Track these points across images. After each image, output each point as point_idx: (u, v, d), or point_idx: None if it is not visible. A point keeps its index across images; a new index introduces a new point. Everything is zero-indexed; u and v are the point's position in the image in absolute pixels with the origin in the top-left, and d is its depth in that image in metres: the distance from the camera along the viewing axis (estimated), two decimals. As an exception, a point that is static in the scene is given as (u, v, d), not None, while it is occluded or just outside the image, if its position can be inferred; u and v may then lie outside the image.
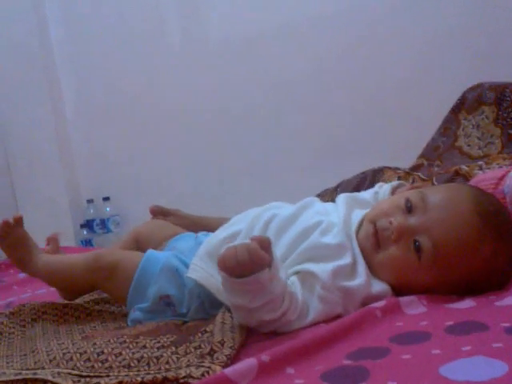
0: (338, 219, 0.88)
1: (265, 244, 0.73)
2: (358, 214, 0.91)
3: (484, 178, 1.23)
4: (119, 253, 1.01)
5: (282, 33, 2.25)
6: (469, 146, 1.58)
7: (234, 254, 0.71)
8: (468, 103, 1.64)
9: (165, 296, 0.91)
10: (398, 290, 0.82)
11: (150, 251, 0.99)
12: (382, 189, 1.03)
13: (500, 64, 1.81)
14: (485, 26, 1.89)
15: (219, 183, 2.45)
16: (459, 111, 1.65)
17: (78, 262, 1.00)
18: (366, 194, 1.04)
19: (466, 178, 1.32)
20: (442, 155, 1.61)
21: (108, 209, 2.67)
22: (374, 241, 0.83)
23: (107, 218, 2.66)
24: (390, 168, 1.47)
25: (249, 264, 0.71)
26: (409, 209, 0.83)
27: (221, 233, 0.96)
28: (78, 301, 1.08)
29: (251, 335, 0.78)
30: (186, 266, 0.91)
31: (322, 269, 0.79)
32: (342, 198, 0.97)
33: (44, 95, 2.66)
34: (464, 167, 1.36)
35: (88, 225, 2.67)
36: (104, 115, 2.70)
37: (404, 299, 0.77)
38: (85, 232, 2.67)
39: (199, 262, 0.89)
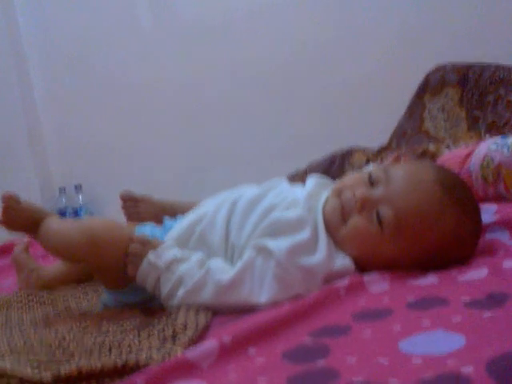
0: (303, 195, 0.88)
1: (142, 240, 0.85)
2: (325, 193, 0.91)
3: (450, 156, 1.25)
4: (112, 225, 0.95)
5: (255, 18, 2.23)
6: (435, 128, 1.59)
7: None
8: (431, 86, 1.65)
9: None
10: (363, 263, 0.82)
11: (139, 227, 0.96)
12: None
13: (464, 45, 1.82)
14: (449, 9, 1.90)
15: (194, 170, 2.43)
16: (423, 94, 1.66)
17: (73, 236, 0.89)
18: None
19: (434, 157, 1.33)
20: (409, 140, 1.62)
21: (80, 197, 2.63)
22: (340, 214, 0.84)
23: (80, 206, 2.62)
24: (358, 149, 1.48)
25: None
26: (372, 182, 0.84)
27: (189, 216, 0.95)
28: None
29: (216, 317, 0.77)
30: None
31: (279, 246, 0.79)
32: (312, 179, 0.98)
33: (12, 80, 2.59)
34: (431, 146, 1.37)
35: (60, 214, 2.63)
36: (75, 101, 2.65)
37: (368, 277, 0.78)
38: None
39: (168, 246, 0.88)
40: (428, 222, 0.79)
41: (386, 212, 0.80)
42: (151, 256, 0.83)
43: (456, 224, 0.80)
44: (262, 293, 0.77)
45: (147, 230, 0.96)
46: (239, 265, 0.80)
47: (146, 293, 0.88)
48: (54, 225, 0.93)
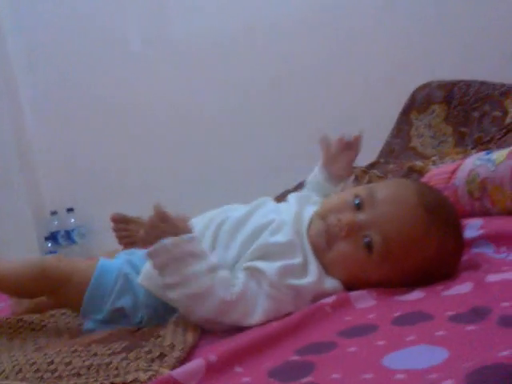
0: (289, 217, 0.89)
1: (161, 216, 0.83)
2: (309, 211, 0.92)
3: (437, 172, 1.26)
4: (69, 264, 0.98)
5: (249, 36, 2.27)
6: (422, 145, 1.61)
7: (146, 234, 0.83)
8: (418, 103, 1.68)
9: (119, 309, 0.90)
10: (350, 286, 0.83)
11: (102, 261, 0.96)
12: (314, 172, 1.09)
13: (449, 62, 1.85)
14: (431, 26, 1.94)
15: (186, 191, 2.43)
16: (410, 111, 1.68)
17: (23, 272, 0.94)
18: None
19: (421, 173, 1.35)
20: (397, 157, 1.64)
21: (73, 220, 2.63)
22: (324, 239, 0.84)
23: (72, 229, 2.62)
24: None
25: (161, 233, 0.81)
26: (357, 205, 0.84)
27: None
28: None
29: (204, 337, 0.77)
30: (139, 272, 0.91)
31: (270, 266, 0.80)
32: (293, 196, 0.99)
33: (2, 105, 2.60)
34: (418, 163, 1.39)
35: (52, 237, 2.63)
36: (66, 124, 2.66)
37: (354, 293, 0.78)
38: (49, 244, 2.63)
39: (150, 267, 0.88)
40: (414, 245, 0.80)
41: (375, 237, 0.80)
42: (169, 243, 0.80)
43: (440, 243, 0.81)
44: (254, 314, 0.77)
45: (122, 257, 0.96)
46: (240, 286, 0.79)
47: (129, 322, 0.89)
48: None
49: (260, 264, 0.80)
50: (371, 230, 0.81)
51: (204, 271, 0.79)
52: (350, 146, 1.07)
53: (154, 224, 0.83)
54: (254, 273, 0.80)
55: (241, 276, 0.80)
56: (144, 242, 0.84)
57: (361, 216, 0.83)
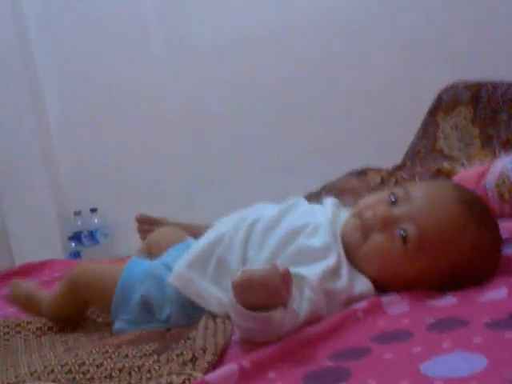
0: (325, 219, 0.88)
1: (286, 279, 0.68)
2: (345, 214, 0.91)
3: (466, 174, 1.25)
4: (95, 266, 1.00)
5: (266, 37, 2.26)
6: (449, 147, 1.59)
7: (250, 284, 0.66)
8: (444, 104, 1.65)
9: (146, 301, 0.90)
10: (383, 282, 0.82)
11: (132, 259, 0.98)
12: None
13: (476, 63, 1.82)
14: (460, 26, 1.91)
15: (208, 191, 2.44)
16: (436, 113, 1.66)
17: (57, 290, 1.00)
18: None
19: (449, 175, 1.33)
20: (423, 159, 1.62)
21: (96, 220, 2.65)
22: (360, 233, 0.84)
23: (95, 229, 2.64)
24: (372, 169, 1.48)
25: (265, 298, 0.66)
26: (393, 201, 0.83)
27: (205, 238, 0.95)
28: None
29: (233, 339, 0.77)
30: (171, 272, 0.91)
31: (312, 272, 0.78)
32: (329, 200, 0.97)
33: (26, 104, 2.61)
34: (446, 165, 1.37)
35: (76, 237, 2.65)
36: (88, 124, 2.67)
37: (386, 299, 0.77)
38: (73, 244, 2.65)
39: (182, 267, 0.88)
40: (451, 238, 0.79)
41: (410, 230, 0.80)
42: (274, 323, 0.67)
43: (477, 239, 0.80)
44: (294, 325, 0.72)
45: (174, 252, 0.97)
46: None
47: (156, 320, 0.89)
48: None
49: (301, 270, 0.78)
50: (407, 224, 0.80)
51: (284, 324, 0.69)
52: None
53: (264, 283, 0.66)
54: (295, 278, 0.78)
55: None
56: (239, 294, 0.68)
57: (396, 210, 0.82)
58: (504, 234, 0.97)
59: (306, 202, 0.97)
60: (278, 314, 0.67)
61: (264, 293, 0.66)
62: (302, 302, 0.75)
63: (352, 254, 0.84)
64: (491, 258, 0.83)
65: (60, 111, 2.71)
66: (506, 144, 1.52)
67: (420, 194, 0.83)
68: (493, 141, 1.57)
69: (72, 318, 1.03)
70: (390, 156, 1.72)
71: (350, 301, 0.79)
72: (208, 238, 0.93)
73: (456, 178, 1.26)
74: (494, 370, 0.53)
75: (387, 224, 0.81)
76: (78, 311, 1.03)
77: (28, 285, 1.10)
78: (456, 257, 0.79)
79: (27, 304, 1.07)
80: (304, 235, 0.85)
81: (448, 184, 0.88)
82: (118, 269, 0.95)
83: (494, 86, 1.64)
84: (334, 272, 0.81)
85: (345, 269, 0.82)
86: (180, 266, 0.89)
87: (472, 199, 0.84)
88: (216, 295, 0.84)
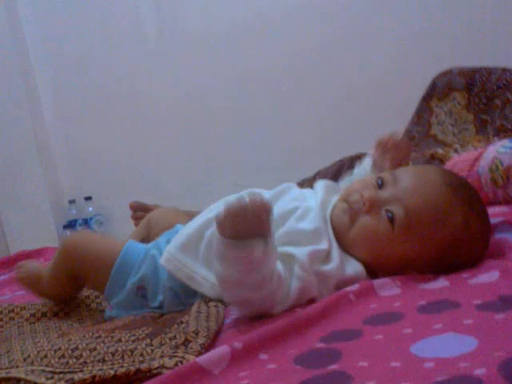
0: (316, 203, 0.88)
1: (265, 207, 0.69)
2: (335, 199, 0.91)
3: (459, 160, 1.25)
4: (92, 240, 1.00)
5: (262, 25, 2.25)
6: (443, 133, 1.59)
7: (230, 213, 0.69)
8: (438, 90, 1.65)
9: (141, 286, 0.90)
10: (373, 265, 0.82)
11: (129, 242, 0.98)
12: (362, 164, 1.05)
13: (470, 48, 1.82)
14: (455, 13, 1.91)
15: (203, 180, 2.44)
16: (430, 98, 1.65)
17: (51, 266, 1.01)
18: (343, 182, 1.05)
19: (442, 161, 1.33)
20: (418, 144, 1.62)
21: (90, 208, 2.65)
22: (347, 216, 0.84)
23: (90, 217, 2.63)
24: (367, 155, 1.48)
25: (247, 226, 0.69)
26: (379, 185, 0.84)
27: (195, 221, 0.95)
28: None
29: (226, 322, 0.77)
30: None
31: (300, 251, 0.79)
32: (320, 183, 0.98)
33: (20, 95, 2.61)
34: (440, 150, 1.37)
35: (71, 225, 2.65)
36: (83, 113, 2.67)
37: (378, 281, 0.78)
38: (68, 233, 2.64)
39: (173, 249, 0.89)
40: (438, 219, 0.79)
41: (397, 210, 0.80)
42: (259, 248, 0.70)
43: (465, 219, 0.80)
44: (287, 299, 0.75)
45: (167, 235, 0.97)
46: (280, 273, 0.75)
47: (149, 305, 0.89)
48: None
49: (290, 249, 0.79)
50: (393, 205, 0.81)
51: (270, 277, 0.72)
52: (399, 148, 1.04)
53: (248, 212, 0.69)
54: (284, 257, 0.79)
55: (278, 264, 0.78)
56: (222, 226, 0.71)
57: (383, 193, 0.83)
58: (497, 218, 0.97)
59: (298, 187, 0.97)
60: (258, 245, 0.69)
61: (244, 219, 0.68)
62: (291, 279, 0.76)
63: (341, 238, 0.84)
64: (480, 240, 0.83)
65: (54, 101, 2.70)
66: (500, 130, 1.52)
67: (407, 177, 0.84)
68: (487, 127, 1.57)
69: (67, 294, 1.04)
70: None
71: (342, 284, 0.79)
72: (198, 221, 0.94)
73: (449, 164, 1.26)
74: (483, 350, 0.53)
75: (373, 206, 0.82)
76: (72, 287, 1.03)
77: (33, 265, 1.10)
78: (444, 237, 0.80)
79: (31, 284, 1.07)
80: (294, 218, 0.85)
81: (435, 168, 0.88)
82: (114, 247, 0.95)
83: (489, 72, 1.63)
84: (325, 255, 0.81)
85: (335, 252, 0.82)
86: (171, 249, 0.89)
87: (459, 182, 0.85)
88: (207, 277, 0.85)
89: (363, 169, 1.05)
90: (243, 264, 0.70)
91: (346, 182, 1.05)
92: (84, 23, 2.58)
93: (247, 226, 0.69)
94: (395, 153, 1.02)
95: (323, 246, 0.82)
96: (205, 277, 0.85)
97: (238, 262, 0.70)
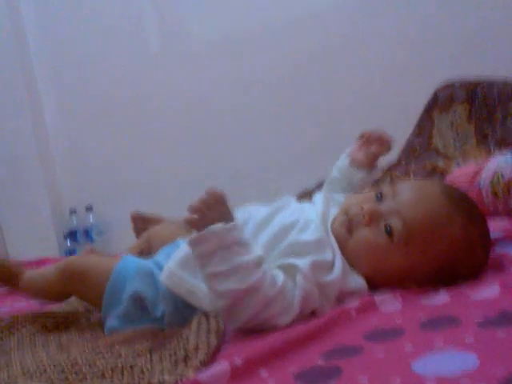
0: (316, 215, 0.89)
1: (221, 196, 0.80)
2: (335, 211, 0.91)
3: (460, 173, 1.25)
4: (92, 259, 1.02)
5: (263, 33, 2.26)
6: (444, 145, 1.59)
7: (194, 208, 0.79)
8: (440, 102, 1.66)
9: (139, 297, 0.90)
10: (373, 277, 0.82)
11: (125, 256, 0.98)
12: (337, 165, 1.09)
13: (473, 60, 1.82)
14: (457, 23, 1.91)
15: (205, 189, 2.43)
16: (432, 110, 1.67)
17: (50, 272, 1.01)
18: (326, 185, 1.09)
19: (443, 174, 1.33)
20: (419, 156, 1.62)
21: (91, 218, 2.65)
22: (347, 227, 0.85)
23: (90, 227, 2.63)
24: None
25: (210, 217, 0.77)
26: (379, 198, 0.85)
27: None
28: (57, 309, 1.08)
29: (227, 337, 0.77)
30: (162, 269, 0.91)
31: (303, 261, 0.79)
32: (319, 196, 0.98)
33: (23, 103, 2.62)
34: (441, 163, 1.37)
35: (71, 235, 2.65)
36: (84, 123, 2.68)
37: (379, 297, 0.77)
38: (68, 242, 2.64)
39: (173, 266, 0.89)
40: (436, 232, 0.79)
41: (395, 223, 0.80)
42: (220, 229, 0.76)
43: (464, 232, 0.80)
44: (290, 312, 0.75)
45: (167, 250, 0.97)
46: (281, 281, 0.77)
47: (149, 317, 0.89)
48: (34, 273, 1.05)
49: (294, 260, 0.80)
50: (392, 218, 0.81)
51: (253, 263, 0.75)
52: (381, 142, 1.05)
53: (209, 206, 0.78)
54: (287, 268, 0.79)
55: (279, 273, 0.79)
56: (193, 225, 0.78)
57: (382, 206, 0.83)
58: (497, 233, 0.97)
59: (297, 201, 0.98)
60: (219, 225, 0.76)
61: (208, 209, 0.78)
62: (294, 290, 0.76)
63: (342, 250, 0.84)
64: (479, 252, 0.83)
65: (56, 110, 2.71)
66: (501, 142, 1.52)
67: (406, 190, 0.84)
68: (488, 139, 1.57)
69: (54, 300, 1.08)
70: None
71: (343, 296, 0.79)
72: None
73: (450, 177, 1.26)
74: (485, 368, 0.53)
75: (373, 219, 0.82)
76: (61, 297, 1.07)
77: (7, 259, 1.14)
78: (443, 250, 0.80)
79: (6, 280, 1.11)
80: (295, 231, 0.85)
81: (435, 181, 0.89)
82: (110, 264, 0.95)
83: (490, 85, 1.64)
84: (328, 265, 0.81)
85: (339, 262, 0.82)
86: (170, 265, 0.89)
87: (458, 195, 0.85)
88: (207, 292, 0.84)
89: (338, 169, 1.09)
90: (215, 253, 0.75)
91: (327, 185, 1.09)
92: (88, 30, 2.59)
93: (213, 216, 0.77)
94: (378, 146, 1.04)
95: (327, 256, 0.82)
96: (204, 292, 0.84)
97: (212, 254, 0.75)
